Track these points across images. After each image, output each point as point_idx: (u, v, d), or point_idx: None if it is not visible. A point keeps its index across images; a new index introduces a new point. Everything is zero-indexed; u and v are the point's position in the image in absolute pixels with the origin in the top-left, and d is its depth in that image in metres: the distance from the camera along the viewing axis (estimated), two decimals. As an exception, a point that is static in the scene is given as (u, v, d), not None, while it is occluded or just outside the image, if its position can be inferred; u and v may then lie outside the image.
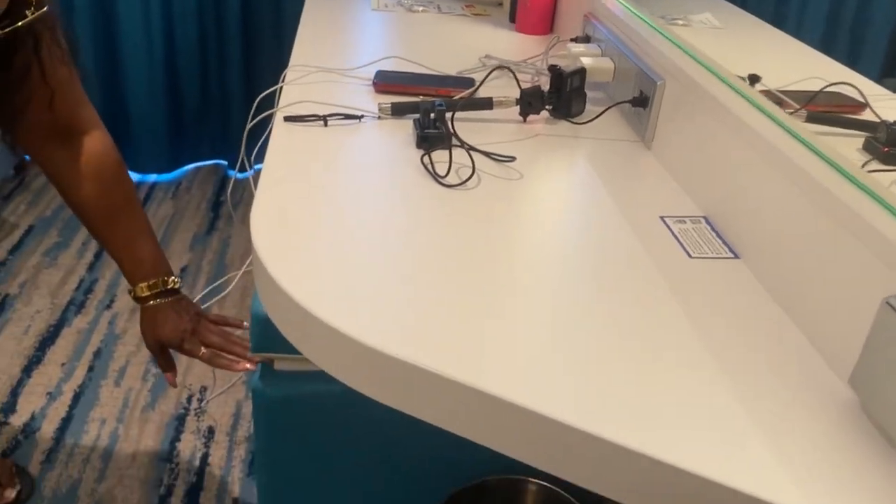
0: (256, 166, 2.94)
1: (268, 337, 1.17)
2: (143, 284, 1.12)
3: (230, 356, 1.13)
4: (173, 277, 1.14)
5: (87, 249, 2.32)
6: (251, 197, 2.71)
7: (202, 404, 1.79)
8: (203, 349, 1.12)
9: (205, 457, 1.66)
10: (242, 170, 2.81)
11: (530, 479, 1.30)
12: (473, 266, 0.78)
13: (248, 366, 1.13)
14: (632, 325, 0.72)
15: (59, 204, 2.53)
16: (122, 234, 1.11)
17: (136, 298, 1.13)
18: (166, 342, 1.13)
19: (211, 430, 1.72)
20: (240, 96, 2.72)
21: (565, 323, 0.71)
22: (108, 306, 2.09)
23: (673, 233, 0.89)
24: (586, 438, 0.59)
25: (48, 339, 1.96)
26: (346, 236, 0.82)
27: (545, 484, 1.30)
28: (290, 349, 1.22)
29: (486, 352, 0.66)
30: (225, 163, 2.88)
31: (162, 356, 1.17)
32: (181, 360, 1.91)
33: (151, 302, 1.12)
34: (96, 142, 1.09)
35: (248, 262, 2.30)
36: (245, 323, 1.16)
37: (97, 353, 1.92)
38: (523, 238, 0.85)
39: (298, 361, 1.24)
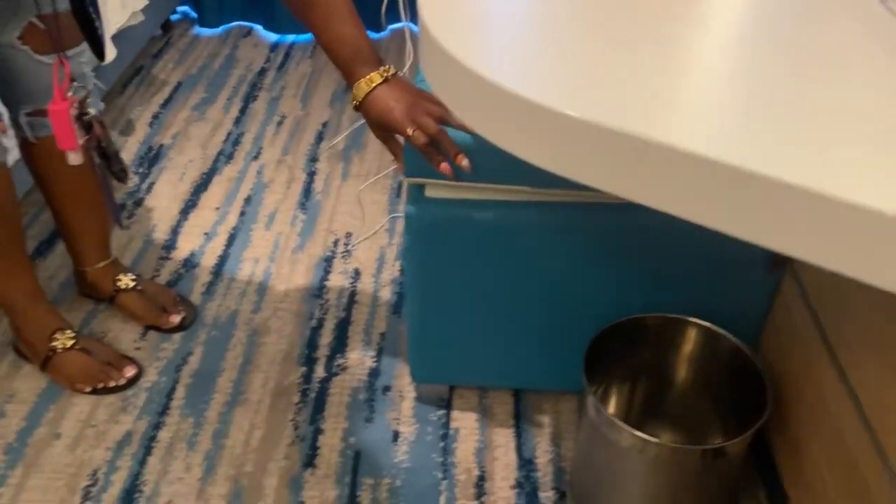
0: (391, 25, 2.90)
1: (421, 162, 1.15)
2: (359, 83, 1.11)
3: (436, 156, 1.11)
4: (384, 67, 1.12)
5: (233, 105, 2.37)
6: (387, 56, 2.67)
7: (348, 248, 1.82)
8: (423, 137, 1.08)
9: (352, 295, 1.70)
10: (378, 30, 2.76)
11: (688, 317, 1.25)
12: (657, 31, 0.71)
13: (454, 164, 1.11)
14: (849, 96, 0.63)
15: (204, 62, 2.58)
16: (317, 19, 1.11)
17: (356, 91, 1.12)
18: (391, 128, 1.12)
19: (357, 272, 1.76)
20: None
21: (769, 86, 0.63)
22: (256, 157, 2.14)
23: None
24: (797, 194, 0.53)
25: (201, 185, 2.04)
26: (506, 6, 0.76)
27: (703, 323, 1.24)
28: (441, 175, 1.20)
29: (677, 111, 0.60)
30: (361, 23, 2.83)
31: (387, 143, 1.17)
32: (325, 210, 1.95)
33: (369, 95, 1.11)
34: None
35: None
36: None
37: (247, 200, 1.98)
38: (717, 15, 0.76)
39: (450, 188, 1.22)
